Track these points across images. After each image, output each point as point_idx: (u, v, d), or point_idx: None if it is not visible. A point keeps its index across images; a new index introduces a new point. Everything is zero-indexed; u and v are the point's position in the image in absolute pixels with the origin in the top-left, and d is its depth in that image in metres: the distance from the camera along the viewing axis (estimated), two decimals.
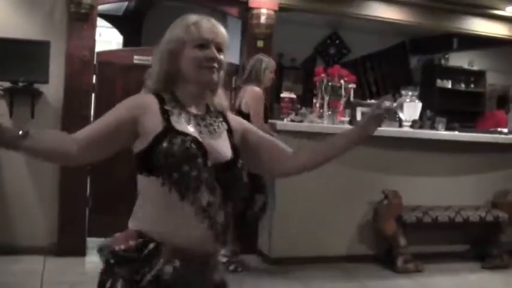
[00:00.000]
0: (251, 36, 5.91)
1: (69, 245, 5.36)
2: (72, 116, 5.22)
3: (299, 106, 5.99)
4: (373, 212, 5.82)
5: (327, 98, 5.77)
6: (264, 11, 5.84)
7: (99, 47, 5.80)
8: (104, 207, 5.61)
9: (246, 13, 5.91)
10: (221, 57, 1.98)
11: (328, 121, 5.75)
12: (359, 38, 9.19)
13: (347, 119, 5.85)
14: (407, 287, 5.40)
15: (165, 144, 1.86)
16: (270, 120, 5.85)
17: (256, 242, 5.96)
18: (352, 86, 5.90)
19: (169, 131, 1.89)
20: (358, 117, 5.82)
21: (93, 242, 5.21)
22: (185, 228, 1.89)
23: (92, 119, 5.38)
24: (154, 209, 1.92)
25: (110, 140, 1.94)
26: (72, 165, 2.07)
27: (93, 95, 5.59)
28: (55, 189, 5.48)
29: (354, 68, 8.93)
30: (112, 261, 1.87)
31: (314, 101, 5.90)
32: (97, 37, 5.69)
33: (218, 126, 2.02)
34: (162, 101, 1.96)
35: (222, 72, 2.01)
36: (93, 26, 5.52)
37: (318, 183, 5.65)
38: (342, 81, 5.78)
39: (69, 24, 5.42)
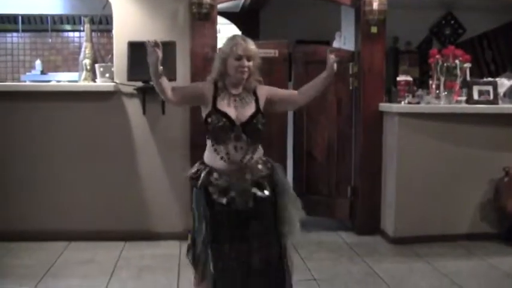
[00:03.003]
0: (365, 23, 5.97)
1: None
2: (199, 110, 5.50)
3: (415, 88, 6.04)
4: (494, 190, 5.81)
5: (442, 79, 5.80)
6: None
7: (218, 43, 5.98)
8: None
9: (359, 1, 5.99)
10: (250, 63, 3.32)
11: (445, 101, 5.79)
12: (474, 17, 8.99)
13: (464, 98, 5.86)
14: None
15: (210, 120, 3.29)
16: (388, 104, 5.98)
17: (379, 222, 6.12)
18: (467, 65, 5.88)
19: (213, 111, 3.29)
20: (475, 96, 5.83)
21: None
22: (216, 162, 3.33)
23: None
24: (207, 151, 3.39)
25: (190, 97, 3.47)
26: (167, 102, 3.54)
27: None
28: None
29: (471, 47, 8.79)
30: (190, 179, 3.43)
31: (430, 82, 5.93)
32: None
33: (249, 98, 3.38)
34: (216, 88, 3.35)
35: (251, 69, 3.34)
36: (214, 25, 5.81)
37: (438, 163, 5.74)
38: (457, 61, 5.80)
39: (192, 24, 5.74)
